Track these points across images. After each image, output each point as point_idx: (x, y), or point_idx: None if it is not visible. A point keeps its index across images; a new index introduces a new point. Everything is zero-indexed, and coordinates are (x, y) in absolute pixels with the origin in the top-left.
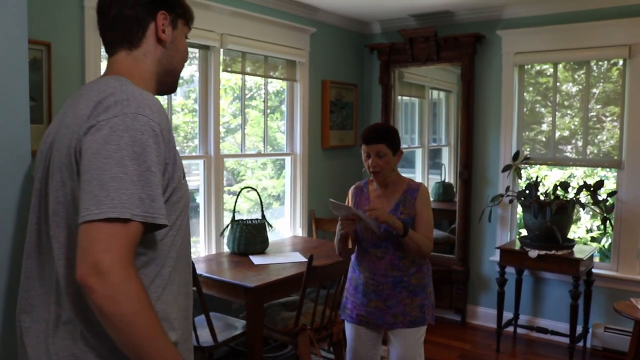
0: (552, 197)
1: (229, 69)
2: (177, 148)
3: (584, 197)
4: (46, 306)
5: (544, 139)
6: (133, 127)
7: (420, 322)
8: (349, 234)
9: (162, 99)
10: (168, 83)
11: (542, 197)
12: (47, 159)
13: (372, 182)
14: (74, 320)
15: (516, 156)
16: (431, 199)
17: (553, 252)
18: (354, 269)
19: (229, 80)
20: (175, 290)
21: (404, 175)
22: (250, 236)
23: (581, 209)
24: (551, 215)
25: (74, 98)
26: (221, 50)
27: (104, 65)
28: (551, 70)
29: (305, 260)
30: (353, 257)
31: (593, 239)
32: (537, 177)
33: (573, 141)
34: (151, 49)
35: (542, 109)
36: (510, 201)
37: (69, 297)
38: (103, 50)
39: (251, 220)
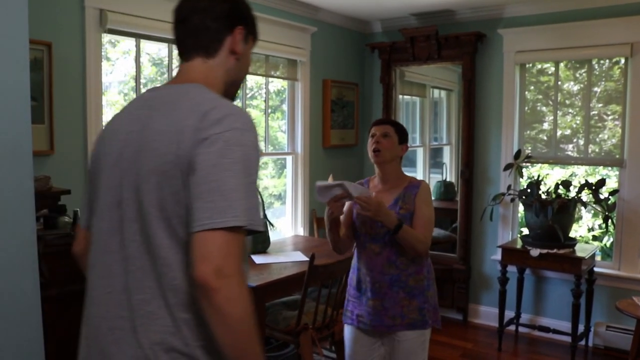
0: (553, 195)
1: None
2: None
3: (585, 195)
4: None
5: (545, 138)
6: (242, 142)
7: (420, 325)
8: (338, 218)
9: None
10: (231, 93)
11: (543, 196)
12: (131, 161)
13: (374, 179)
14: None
15: (517, 155)
16: (433, 198)
17: (555, 250)
18: (354, 268)
19: None
20: None
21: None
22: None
23: (583, 208)
24: (553, 213)
25: (157, 102)
26: None
27: (104, 64)
28: (552, 69)
29: (307, 259)
30: (354, 255)
31: (595, 238)
32: (539, 175)
33: (574, 140)
34: (224, 60)
35: (544, 108)
36: (512, 200)
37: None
38: (103, 50)
39: None
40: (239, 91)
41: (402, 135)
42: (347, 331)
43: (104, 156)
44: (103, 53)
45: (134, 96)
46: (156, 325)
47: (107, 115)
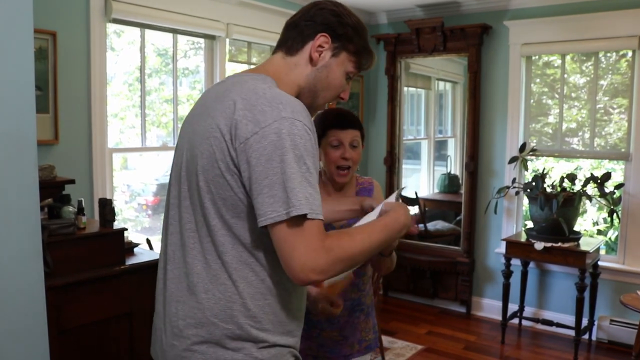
0: (558, 189)
1: (235, 59)
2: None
3: (590, 189)
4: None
5: (550, 131)
6: (293, 132)
7: (374, 345)
8: None
9: (168, 90)
10: (306, 101)
11: (548, 189)
12: (190, 143)
13: (323, 184)
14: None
15: (523, 148)
16: (437, 190)
17: (559, 244)
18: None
19: (234, 70)
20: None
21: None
22: None
23: (588, 201)
24: (557, 207)
25: (222, 89)
26: (227, 40)
27: (109, 54)
28: (559, 61)
29: None
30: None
31: (599, 232)
32: (544, 169)
33: (580, 133)
34: (302, 63)
35: (549, 101)
36: (517, 193)
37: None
38: (108, 40)
39: None
40: (317, 106)
41: (364, 136)
42: None
43: (179, 139)
44: (108, 43)
45: (138, 86)
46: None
47: (112, 105)
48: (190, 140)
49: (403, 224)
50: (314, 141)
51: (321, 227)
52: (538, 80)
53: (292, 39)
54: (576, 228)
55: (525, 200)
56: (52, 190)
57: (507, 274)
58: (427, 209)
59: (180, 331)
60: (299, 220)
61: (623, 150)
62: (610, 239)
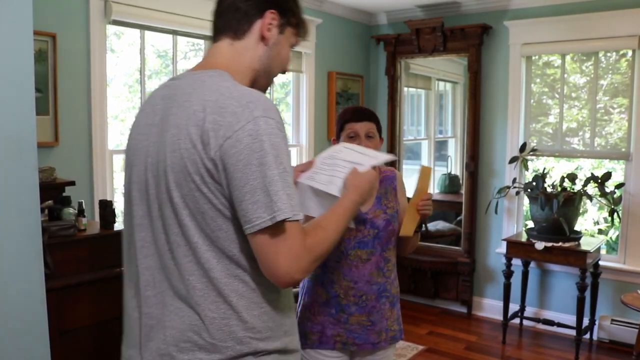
0: (559, 188)
1: None
2: None
3: (591, 189)
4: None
5: (551, 131)
6: (267, 132)
7: (399, 336)
8: None
9: None
10: (261, 84)
11: (549, 189)
12: (155, 157)
13: None
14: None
15: (523, 148)
16: (437, 191)
17: (560, 244)
18: (320, 281)
19: None
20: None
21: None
22: None
23: (588, 201)
24: (558, 207)
25: (177, 93)
26: None
27: (109, 56)
28: (559, 61)
29: None
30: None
31: (600, 231)
32: (544, 168)
33: (580, 133)
34: (253, 45)
35: (550, 101)
36: (517, 193)
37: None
38: (108, 42)
39: None
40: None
41: (380, 131)
42: (311, 358)
43: (129, 150)
44: (108, 45)
45: (139, 88)
46: None
47: (112, 107)
48: (153, 154)
49: (359, 200)
50: (286, 137)
51: (300, 226)
52: (538, 80)
53: (236, 21)
54: (577, 228)
55: (526, 200)
56: (53, 192)
57: (508, 274)
58: None
59: (172, 358)
60: (282, 224)
61: (623, 149)
62: (610, 238)
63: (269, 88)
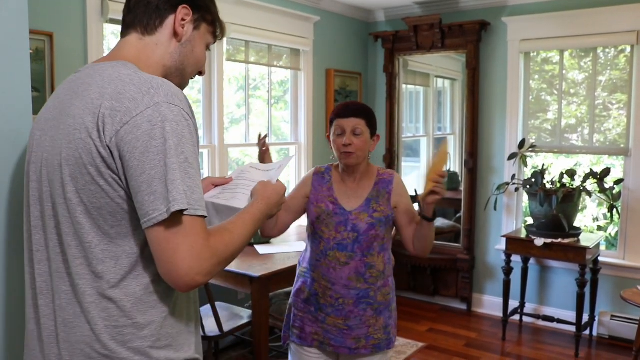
0: (558, 185)
1: (233, 59)
2: None
3: (590, 185)
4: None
5: (550, 127)
6: (169, 118)
7: (385, 345)
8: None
9: None
10: (174, 83)
11: (548, 185)
12: (50, 152)
13: (337, 168)
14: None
15: (522, 144)
16: None
17: (559, 240)
18: (305, 276)
19: (233, 70)
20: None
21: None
22: None
23: (587, 197)
24: (557, 203)
25: (77, 84)
26: (225, 39)
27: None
28: (557, 57)
29: None
30: (304, 261)
31: (599, 228)
32: (543, 165)
33: (579, 129)
34: (164, 41)
35: (548, 97)
36: (516, 189)
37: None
38: (106, 41)
39: None
40: (188, 82)
41: (373, 126)
42: (296, 354)
43: (29, 148)
44: (105, 44)
45: None
46: None
47: None
48: (49, 149)
49: (266, 211)
50: (193, 127)
51: (204, 224)
52: (537, 76)
53: (146, 16)
54: (576, 224)
55: (525, 197)
56: None
57: (508, 270)
58: None
59: None
60: (179, 217)
61: (622, 145)
62: (610, 234)
63: (185, 89)
